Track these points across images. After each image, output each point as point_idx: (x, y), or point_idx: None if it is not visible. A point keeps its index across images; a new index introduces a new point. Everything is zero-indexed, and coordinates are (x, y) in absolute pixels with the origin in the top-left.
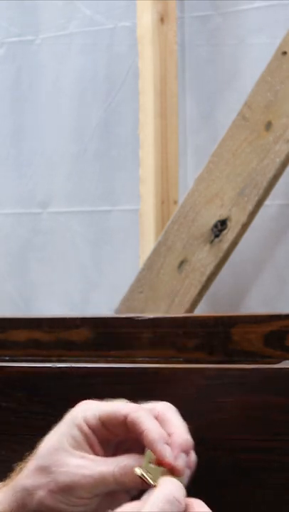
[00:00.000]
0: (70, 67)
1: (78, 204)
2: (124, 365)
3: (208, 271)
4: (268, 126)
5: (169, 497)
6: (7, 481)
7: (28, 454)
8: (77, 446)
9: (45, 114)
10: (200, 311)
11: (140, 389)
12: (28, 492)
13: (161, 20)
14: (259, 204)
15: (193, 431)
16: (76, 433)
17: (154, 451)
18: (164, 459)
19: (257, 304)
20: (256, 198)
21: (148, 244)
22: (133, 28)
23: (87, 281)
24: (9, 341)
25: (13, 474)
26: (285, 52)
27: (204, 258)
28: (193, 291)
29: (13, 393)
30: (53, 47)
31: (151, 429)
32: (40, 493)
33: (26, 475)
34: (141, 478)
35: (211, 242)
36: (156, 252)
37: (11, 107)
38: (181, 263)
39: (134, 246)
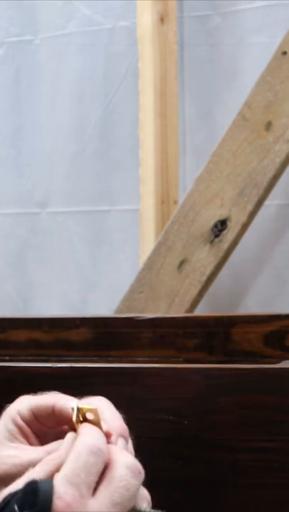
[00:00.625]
0: (69, 67)
1: (77, 204)
2: (124, 365)
3: (208, 271)
4: (268, 126)
5: (93, 448)
6: None
7: None
8: (12, 439)
9: (44, 114)
10: (200, 311)
11: (140, 389)
12: None
13: (161, 20)
14: (259, 204)
15: (193, 431)
16: (11, 426)
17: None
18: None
19: (257, 304)
20: (256, 198)
21: (148, 244)
22: (132, 27)
23: (86, 282)
24: (9, 341)
25: None
26: (285, 52)
27: (204, 258)
28: (193, 291)
29: (13, 393)
30: (52, 47)
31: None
32: None
33: None
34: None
35: (211, 242)
36: (156, 252)
37: (10, 107)
38: (181, 263)
39: (133, 246)
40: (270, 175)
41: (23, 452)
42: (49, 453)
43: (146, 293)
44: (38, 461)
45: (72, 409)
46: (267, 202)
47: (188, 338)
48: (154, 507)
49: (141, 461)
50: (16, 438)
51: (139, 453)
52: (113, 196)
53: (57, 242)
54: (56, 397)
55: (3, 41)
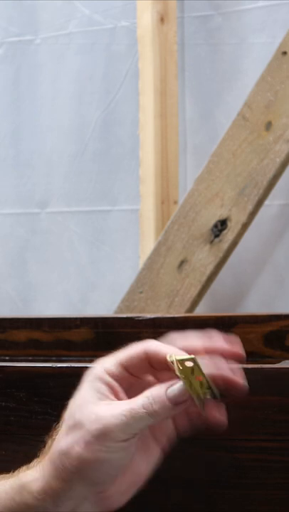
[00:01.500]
0: (69, 67)
1: (77, 204)
2: None
3: (208, 271)
4: (268, 126)
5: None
6: (40, 457)
7: (56, 426)
8: (103, 398)
9: (44, 114)
10: (200, 311)
11: None
12: (65, 454)
13: (161, 20)
14: (259, 204)
15: (193, 431)
16: (99, 385)
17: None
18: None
19: (257, 304)
20: (256, 198)
21: (148, 244)
22: (132, 27)
23: (86, 282)
24: (9, 341)
25: (44, 448)
26: (285, 53)
27: (204, 258)
28: (193, 291)
29: (13, 393)
30: (52, 47)
31: (172, 348)
32: (77, 449)
33: (58, 439)
34: (171, 364)
35: (211, 242)
36: (156, 252)
37: (10, 107)
38: (181, 263)
39: (133, 246)
40: (270, 175)
41: (120, 404)
42: (147, 396)
43: (146, 293)
44: (139, 406)
45: (172, 362)
46: (267, 202)
47: None
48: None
49: None
50: (106, 396)
51: None
52: (113, 196)
53: (57, 242)
54: (144, 343)
55: (3, 41)
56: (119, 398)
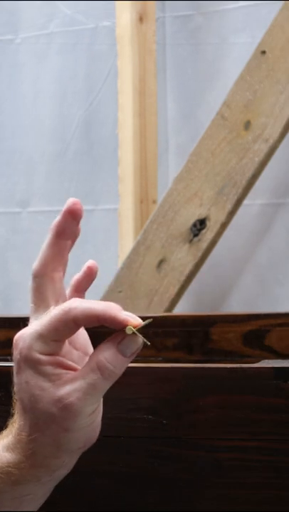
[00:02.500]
0: (50, 67)
1: (59, 203)
2: None
3: (187, 270)
4: (247, 125)
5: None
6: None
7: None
8: (50, 379)
9: (25, 114)
10: (181, 310)
11: (119, 388)
12: (33, 445)
13: (140, 20)
14: (238, 203)
15: (172, 430)
16: (42, 368)
17: (118, 324)
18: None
19: (238, 303)
20: (235, 198)
21: (127, 243)
22: (114, 27)
23: (68, 281)
24: None
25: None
26: (263, 52)
27: (183, 257)
28: (172, 291)
29: None
30: (33, 46)
31: (106, 309)
32: (52, 439)
33: (22, 427)
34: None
35: (190, 241)
36: (135, 251)
37: None
38: (160, 262)
39: (115, 245)
40: (249, 174)
41: (75, 383)
42: (99, 366)
43: (125, 292)
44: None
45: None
46: (248, 201)
47: (168, 337)
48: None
49: (119, 461)
50: (53, 375)
51: (118, 452)
52: (95, 196)
53: (38, 242)
54: (70, 310)
55: None
56: (63, 366)
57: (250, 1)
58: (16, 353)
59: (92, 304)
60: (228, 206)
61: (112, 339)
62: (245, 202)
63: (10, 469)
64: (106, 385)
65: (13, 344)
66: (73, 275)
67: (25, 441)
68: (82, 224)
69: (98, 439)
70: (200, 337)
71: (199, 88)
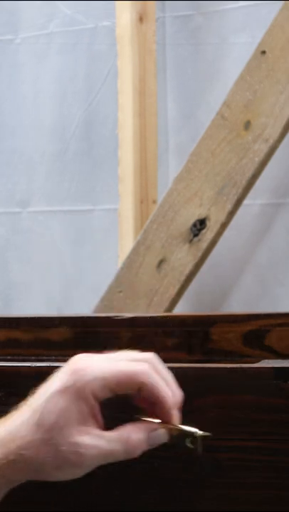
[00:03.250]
0: (50, 67)
1: (59, 203)
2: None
3: (187, 270)
4: (247, 125)
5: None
6: None
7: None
8: (82, 421)
9: (26, 114)
10: (181, 310)
11: None
12: (25, 460)
13: (140, 19)
14: (238, 203)
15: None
16: (83, 408)
17: (170, 416)
18: (174, 422)
19: (238, 303)
20: (235, 198)
21: (127, 243)
22: (114, 27)
23: (68, 281)
24: None
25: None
26: (263, 52)
27: (183, 257)
28: (172, 291)
29: None
30: (33, 46)
31: (167, 397)
32: (44, 466)
33: (28, 443)
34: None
35: (190, 241)
36: (135, 251)
37: None
38: (160, 262)
39: (115, 245)
40: (249, 174)
41: (101, 442)
42: (129, 443)
43: (125, 292)
44: (119, 452)
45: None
46: (248, 201)
47: (167, 337)
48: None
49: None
50: (85, 420)
51: None
52: (95, 196)
53: (38, 242)
54: (141, 373)
55: None
56: (96, 419)
57: (250, 1)
58: (70, 377)
59: (159, 381)
60: (228, 206)
61: (148, 426)
62: (245, 202)
63: None
64: (120, 458)
65: (74, 368)
66: (73, 274)
67: (14, 452)
68: (82, 224)
69: None
70: (200, 337)
71: (199, 88)
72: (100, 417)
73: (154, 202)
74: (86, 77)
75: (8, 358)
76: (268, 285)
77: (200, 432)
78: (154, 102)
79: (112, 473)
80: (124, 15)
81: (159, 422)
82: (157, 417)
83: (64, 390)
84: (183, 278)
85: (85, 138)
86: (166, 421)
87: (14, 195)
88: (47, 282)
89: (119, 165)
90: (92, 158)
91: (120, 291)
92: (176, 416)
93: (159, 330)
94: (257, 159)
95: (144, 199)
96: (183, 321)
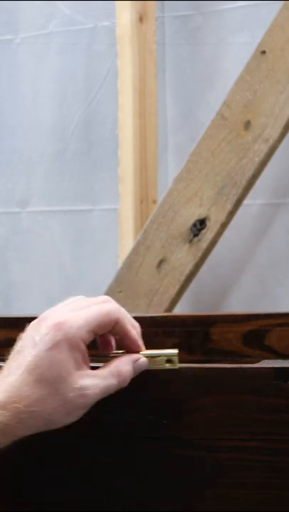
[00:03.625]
0: (49, 67)
1: (58, 203)
2: (103, 364)
3: (187, 270)
4: (247, 125)
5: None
6: None
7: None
8: (79, 367)
9: (25, 114)
10: (180, 310)
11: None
12: (36, 416)
13: (140, 19)
14: (238, 203)
15: (172, 430)
16: (77, 355)
17: (138, 346)
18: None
19: (238, 303)
20: (235, 198)
21: (127, 243)
22: (113, 27)
23: (67, 281)
24: None
25: None
26: (263, 52)
27: (183, 257)
28: (172, 291)
29: None
30: (33, 46)
31: (134, 328)
32: (54, 415)
33: (36, 400)
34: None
35: (190, 241)
36: (135, 251)
37: None
38: (160, 262)
39: (115, 245)
40: (249, 174)
41: (97, 381)
42: (120, 376)
43: (125, 292)
44: (114, 385)
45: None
46: (248, 201)
47: (168, 337)
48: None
49: (119, 460)
50: (80, 365)
51: (117, 453)
52: (94, 196)
53: (38, 242)
54: (115, 311)
55: None
56: (86, 362)
57: (250, 1)
58: (58, 332)
59: (127, 315)
60: (228, 206)
61: (130, 357)
62: (245, 202)
63: None
64: (114, 390)
65: (56, 323)
66: (73, 274)
67: (24, 411)
68: (81, 224)
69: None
70: (200, 337)
71: (198, 88)
72: (88, 359)
73: (154, 202)
74: (85, 77)
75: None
76: (267, 285)
77: (175, 351)
78: (154, 102)
79: (112, 473)
80: (124, 15)
81: (143, 352)
82: (126, 350)
83: (56, 345)
84: (183, 278)
85: (84, 138)
86: (136, 351)
87: (14, 195)
88: (47, 282)
89: (119, 165)
90: (92, 158)
91: (120, 291)
92: (142, 346)
93: (159, 330)
94: (257, 159)
95: (144, 199)
96: (183, 321)
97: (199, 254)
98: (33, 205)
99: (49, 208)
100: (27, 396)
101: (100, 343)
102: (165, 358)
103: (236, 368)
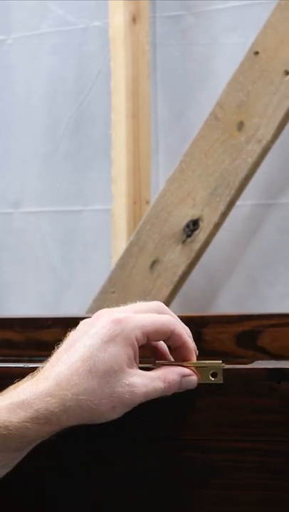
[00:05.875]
0: (41, 67)
1: (50, 204)
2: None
3: (180, 271)
4: (240, 126)
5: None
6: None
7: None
8: (130, 364)
9: (17, 114)
10: (174, 311)
11: None
12: (82, 404)
13: (133, 20)
14: (231, 204)
15: (166, 431)
16: (131, 352)
17: (192, 357)
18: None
19: (229, 304)
20: (228, 198)
21: (120, 244)
22: (105, 27)
23: (59, 281)
24: None
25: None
26: (257, 52)
27: (176, 258)
28: (165, 291)
29: None
30: (25, 47)
31: (189, 341)
32: (100, 408)
33: (85, 389)
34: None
35: (183, 242)
36: (128, 252)
37: None
38: (153, 263)
39: (106, 246)
40: (242, 175)
41: (146, 381)
42: (169, 381)
43: (118, 293)
44: (161, 388)
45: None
46: (239, 202)
47: None
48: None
49: (113, 462)
50: (132, 363)
51: (113, 453)
52: (86, 196)
53: (30, 242)
54: (172, 323)
55: None
56: (137, 362)
57: (243, 1)
58: (116, 326)
59: (182, 328)
60: (221, 207)
61: (181, 370)
62: (237, 203)
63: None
64: (159, 395)
65: (115, 318)
66: (65, 275)
67: (70, 399)
68: (73, 225)
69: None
70: (193, 338)
71: (190, 88)
72: (138, 360)
73: (147, 202)
74: (77, 77)
75: (1, 358)
76: (258, 286)
77: (219, 362)
78: (147, 103)
79: (111, 474)
80: (117, 15)
81: (188, 362)
82: (180, 358)
83: (113, 338)
84: (176, 279)
85: (76, 138)
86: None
87: (6, 195)
88: (39, 283)
89: (112, 166)
90: (83, 159)
91: (113, 292)
92: (195, 358)
93: None
94: (250, 160)
95: (137, 200)
96: None
97: (192, 254)
98: (26, 206)
99: (41, 208)
100: (76, 384)
101: (154, 351)
102: (210, 371)
103: (229, 369)
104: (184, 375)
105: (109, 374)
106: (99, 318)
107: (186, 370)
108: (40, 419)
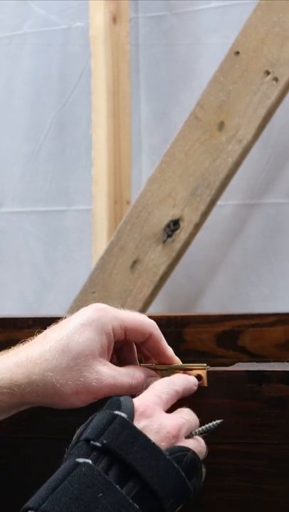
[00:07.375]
0: (23, 67)
1: (32, 204)
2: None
3: (160, 271)
4: (221, 126)
5: (178, 389)
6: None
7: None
8: (102, 353)
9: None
10: (154, 310)
11: None
12: (47, 382)
13: (114, 20)
14: (212, 204)
15: None
16: (105, 341)
17: (173, 361)
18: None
19: (211, 304)
20: (209, 198)
21: (101, 244)
22: (87, 28)
23: (41, 282)
24: None
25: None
26: (237, 53)
27: (157, 258)
28: (146, 291)
29: None
30: (7, 47)
31: (169, 348)
32: (64, 389)
33: (54, 367)
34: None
35: (164, 242)
36: (108, 252)
37: None
38: (134, 263)
39: (89, 246)
40: (222, 175)
41: (115, 373)
42: (136, 378)
43: (98, 293)
44: (128, 383)
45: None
46: (222, 202)
47: None
48: None
49: None
50: (104, 352)
51: None
52: (69, 196)
53: (12, 242)
54: (151, 325)
55: None
56: (109, 355)
57: (224, 2)
58: (96, 313)
59: (161, 335)
60: (202, 207)
61: (147, 370)
62: (219, 202)
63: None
64: (123, 392)
65: (97, 307)
66: (47, 275)
67: (37, 373)
68: (55, 224)
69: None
70: (173, 338)
71: (172, 89)
72: (111, 353)
73: (128, 203)
74: (60, 77)
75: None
76: (240, 286)
77: (203, 365)
78: (127, 103)
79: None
80: (98, 15)
81: (170, 365)
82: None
83: (90, 323)
84: (157, 279)
85: (58, 138)
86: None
87: None
88: (21, 283)
89: (92, 166)
90: (65, 159)
91: (94, 292)
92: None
93: None
94: (230, 160)
95: (117, 200)
96: (156, 321)
97: (173, 254)
98: (7, 206)
99: (23, 208)
100: (46, 360)
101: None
102: (195, 375)
103: (210, 371)
104: (150, 375)
105: (80, 357)
106: (85, 308)
107: (153, 372)
108: (4, 388)
